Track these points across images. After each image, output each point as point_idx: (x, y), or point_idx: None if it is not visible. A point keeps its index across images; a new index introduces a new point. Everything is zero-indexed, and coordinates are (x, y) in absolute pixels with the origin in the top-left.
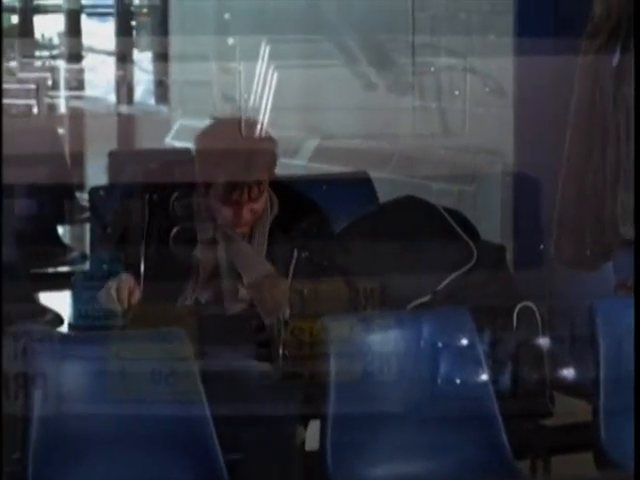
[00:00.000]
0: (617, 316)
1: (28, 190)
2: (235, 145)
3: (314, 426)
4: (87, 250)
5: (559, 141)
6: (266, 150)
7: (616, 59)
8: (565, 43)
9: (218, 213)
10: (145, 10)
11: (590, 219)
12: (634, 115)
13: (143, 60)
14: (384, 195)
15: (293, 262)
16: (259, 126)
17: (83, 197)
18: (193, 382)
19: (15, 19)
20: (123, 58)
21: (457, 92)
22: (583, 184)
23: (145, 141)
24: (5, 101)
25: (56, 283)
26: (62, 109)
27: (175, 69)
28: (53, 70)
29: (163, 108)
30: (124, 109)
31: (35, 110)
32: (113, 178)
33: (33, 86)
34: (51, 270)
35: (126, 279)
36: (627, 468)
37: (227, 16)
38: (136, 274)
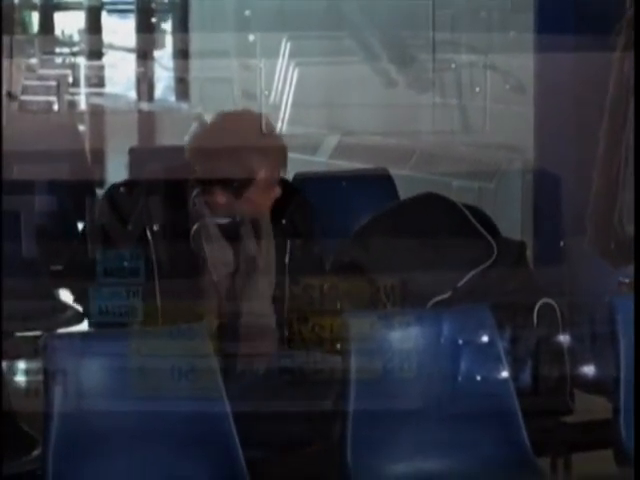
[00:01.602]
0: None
1: (48, 187)
2: (259, 136)
3: (334, 423)
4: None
5: (579, 137)
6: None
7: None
8: (585, 40)
9: (251, 207)
10: (166, 7)
11: (613, 214)
12: (634, 115)
13: (163, 57)
14: (404, 192)
15: (288, 252)
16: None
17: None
18: (213, 379)
19: (36, 16)
20: (144, 55)
21: (477, 89)
22: (611, 178)
23: (166, 138)
24: (26, 98)
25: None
26: (83, 106)
27: (196, 66)
28: (74, 67)
29: (184, 105)
30: (144, 106)
31: (56, 107)
32: (134, 175)
33: (54, 83)
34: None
35: None
36: None
37: (248, 13)
38: (156, 271)
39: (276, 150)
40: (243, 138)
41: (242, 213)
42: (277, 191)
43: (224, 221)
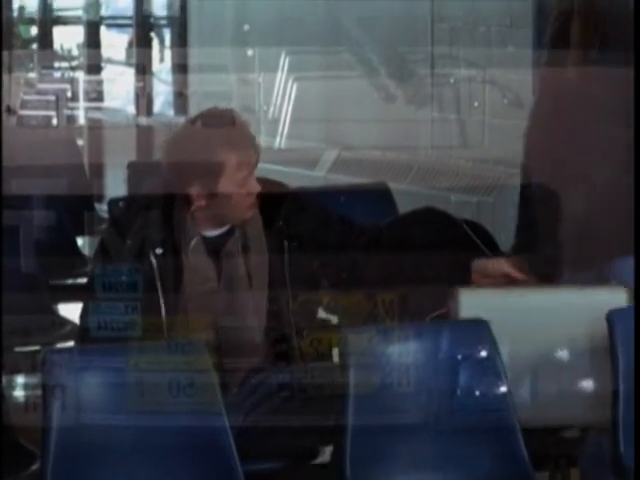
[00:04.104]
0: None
1: (47, 201)
2: (221, 129)
3: (333, 437)
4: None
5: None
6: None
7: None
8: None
9: (232, 206)
10: (164, 21)
11: None
12: (634, 121)
13: (162, 71)
14: (403, 207)
15: (286, 255)
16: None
17: (102, 208)
18: (212, 393)
19: (35, 30)
20: (142, 69)
21: (476, 104)
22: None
23: None
24: (25, 112)
25: (75, 294)
26: (81, 120)
27: (194, 80)
28: (72, 81)
29: (182, 119)
30: (143, 120)
31: (54, 121)
32: (132, 189)
33: (53, 97)
34: (70, 281)
35: None
36: None
37: (246, 27)
38: (155, 286)
39: (243, 137)
40: (207, 134)
41: (225, 216)
42: (255, 186)
43: (212, 234)
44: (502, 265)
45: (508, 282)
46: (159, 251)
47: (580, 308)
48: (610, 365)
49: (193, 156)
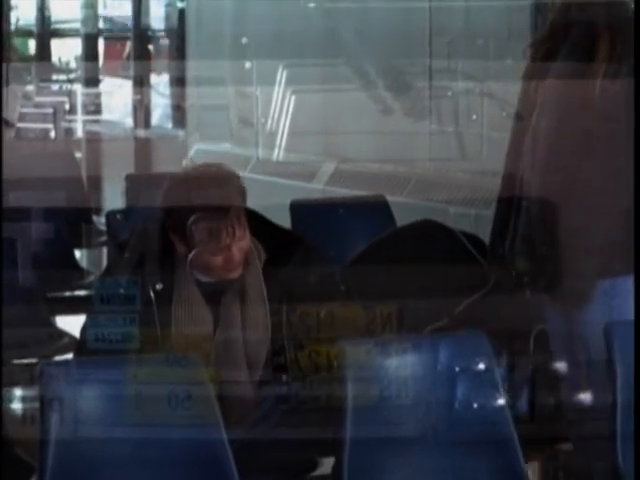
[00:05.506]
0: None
1: (45, 213)
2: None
3: (332, 450)
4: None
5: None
6: (234, 180)
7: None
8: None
9: (204, 266)
10: (162, 34)
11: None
12: (634, 122)
13: (160, 84)
14: (401, 219)
15: (285, 307)
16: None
17: (100, 221)
18: (209, 406)
19: (32, 43)
20: (140, 82)
21: (474, 116)
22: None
23: (162, 165)
24: (23, 125)
25: (73, 307)
26: (79, 133)
27: (192, 93)
28: (70, 94)
29: (180, 132)
30: (141, 133)
31: (52, 134)
32: (130, 201)
33: (50, 110)
34: (68, 294)
35: None
36: None
37: (244, 40)
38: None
39: (221, 206)
40: (185, 193)
41: (206, 271)
42: (234, 256)
43: (206, 280)
44: None
45: None
46: (159, 286)
47: None
48: (609, 377)
49: (170, 212)
